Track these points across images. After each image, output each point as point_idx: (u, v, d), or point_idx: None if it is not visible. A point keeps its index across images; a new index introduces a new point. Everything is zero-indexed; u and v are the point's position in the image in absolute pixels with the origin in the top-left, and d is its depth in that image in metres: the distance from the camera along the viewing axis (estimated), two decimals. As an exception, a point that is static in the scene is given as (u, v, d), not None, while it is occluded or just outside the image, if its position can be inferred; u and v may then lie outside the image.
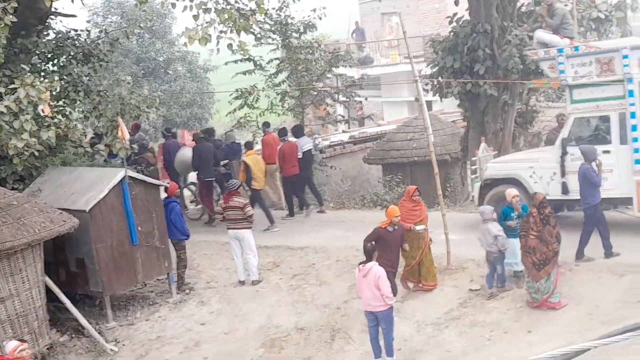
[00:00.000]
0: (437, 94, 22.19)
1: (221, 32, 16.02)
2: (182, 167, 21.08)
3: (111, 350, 14.11)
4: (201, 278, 16.70)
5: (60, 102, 17.87)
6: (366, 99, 30.50)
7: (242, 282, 16.06)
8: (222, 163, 20.75)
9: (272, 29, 24.05)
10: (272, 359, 13.40)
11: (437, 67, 21.57)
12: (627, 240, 14.82)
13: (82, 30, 18.72)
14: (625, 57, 15.19)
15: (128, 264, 14.91)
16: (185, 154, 20.91)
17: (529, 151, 19.30)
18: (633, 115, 15.32)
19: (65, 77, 17.43)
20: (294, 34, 24.45)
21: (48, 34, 18.26)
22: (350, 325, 13.79)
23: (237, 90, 24.44)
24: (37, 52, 17.23)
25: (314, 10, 24.45)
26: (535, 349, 11.21)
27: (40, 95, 13.81)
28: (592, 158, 14.48)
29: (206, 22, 15.28)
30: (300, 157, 20.61)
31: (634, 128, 15.35)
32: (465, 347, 12.53)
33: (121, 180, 14.62)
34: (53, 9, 18.08)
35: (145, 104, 17.16)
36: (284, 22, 24.09)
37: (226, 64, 25.22)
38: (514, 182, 16.69)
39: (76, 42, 17.96)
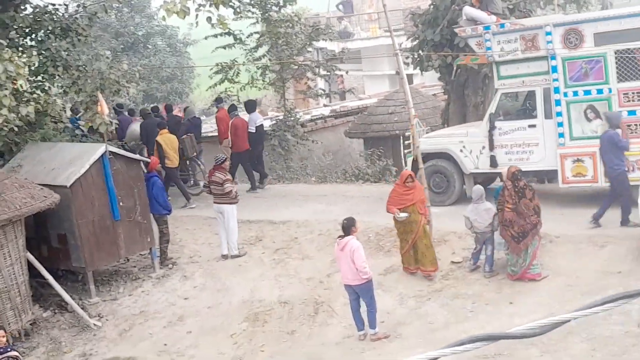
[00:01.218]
0: (418, 67, 22.14)
1: (200, 5, 15.94)
2: (131, 142, 21.27)
3: (94, 325, 14.11)
4: (184, 253, 16.71)
5: (39, 77, 17.72)
6: (347, 72, 30.44)
7: (224, 256, 16.10)
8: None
9: (252, 2, 23.85)
10: (255, 333, 13.45)
11: (417, 41, 21.50)
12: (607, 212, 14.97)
13: (60, 5, 18.53)
14: (548, 33, 15.73)
15: (110, 240, 14.89)
16: (135, 129, 20.97)
17: (459, 126, 19.70)
18: (557, 90, 15.85)
19: (43, 52, 17.26)
20: (274, 8, 24.29)
21: (25, 9, 18.05)
22: (334, 299, 13.85)
23: (217, 65, 24.32)
24: (15, 26, 17.03)
25: (294, -17, 24.32)
26: (517, 321, 11.30)
27: (18, 70, 13.70)
28: (616, 124, 14.58)
29: (184, -5, 15.18)
30: (253, 132, 20.94)
31: (557, 103, 15.90)
32: (447, 319, 12.62)
33: (102, 155, 14.56)
34: (30, -17, 17.90)
35: (125, 79, 17.10)
36: (263, -4, 23.93)
37: (206, 38, 25.04)
38: (445, 156, 17.33)
39: (54, 16, 17.75)
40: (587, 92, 15.60)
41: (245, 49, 25.21)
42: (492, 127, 16.62)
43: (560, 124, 15.88)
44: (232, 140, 20.82)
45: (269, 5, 24.09)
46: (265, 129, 24.07)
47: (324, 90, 29.28)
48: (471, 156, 16.96)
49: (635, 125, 15.26)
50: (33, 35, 17.88)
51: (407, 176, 13.90)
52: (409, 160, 17.73)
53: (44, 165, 14.91)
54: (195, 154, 20.75)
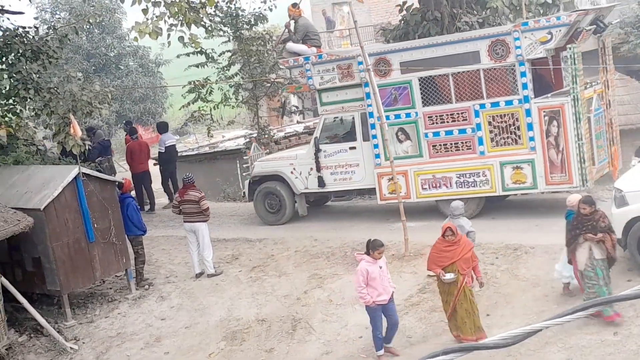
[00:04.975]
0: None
1: (171, 25, 15.94)
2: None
3: (71, 348, 13.99)
4: (160, 273, 16.65)
5: (10, 101, 17.63)
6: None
7: (198, 275, 16.06)
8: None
9: (223, 21, 23.87)
10: (233, 352, 13.39)
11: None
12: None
13: (30, 28, 18.45)
14: (360, 63, 16.65)
15: (85, 262, 14.79)
16: None
17: (290, 149, 21.12)
18: (371, 114, 17.02)
19: (14, 75, 17.18)
20: (245, 26, 24.32)
21: (-5, 32, 17.98)
22: (311, 315, 13.83)
23: (189, 83, 24.29)
24: (-15, 50, 16.96)
25: (264, 1, 24.36)
26: (494, 332, 11.34)
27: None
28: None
29: (156, 16, 15.20)
30: (162, 152, 22.14)
31: (372, 126, 17.11)
32: (425, 332, 12.64)
33: (75, 177, 14.49)
34: (-1, 6, 17.83)
35: (97, 100, 17.04)
36: (234, 14, 23.94)
37: (178, 57, 24.99)
38: (278, 178, 18.56)
39: (24, 39, 17.67)
40: (398, 116, 16.90)
41: (218, 68, 25.21)
42: (317, 150, 17.87)
43: (376, 146, 17.14)
44: (129, 163, 22.10)
45: (241, 24, 24.14)
46: (236, 147, 24.15)
47: (297, 107, 29.33)
48: (301, 177, 18.26)
49: (440, 145, 16.59)
50: (3, 59, 17.80)
51: (446, 229, 11.84)
52: (246, 183, 19.17)
53: (17, 188, 14.81)
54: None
